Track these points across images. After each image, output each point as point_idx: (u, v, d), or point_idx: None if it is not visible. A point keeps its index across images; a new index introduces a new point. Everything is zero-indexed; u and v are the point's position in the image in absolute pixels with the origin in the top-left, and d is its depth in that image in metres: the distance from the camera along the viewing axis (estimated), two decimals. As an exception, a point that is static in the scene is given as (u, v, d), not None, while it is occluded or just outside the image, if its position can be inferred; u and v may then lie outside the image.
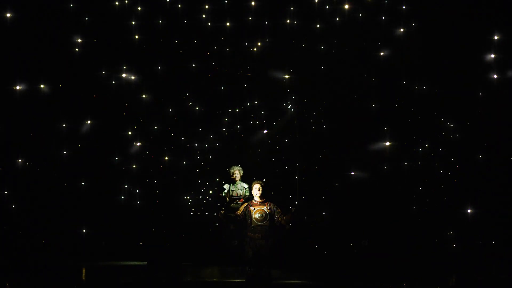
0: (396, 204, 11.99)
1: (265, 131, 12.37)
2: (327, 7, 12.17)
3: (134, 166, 11.83)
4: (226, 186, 11.05)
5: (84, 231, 11.29)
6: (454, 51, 11.79)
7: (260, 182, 8.83)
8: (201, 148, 12.31)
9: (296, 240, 11.17)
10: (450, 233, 11.71)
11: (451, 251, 11.59)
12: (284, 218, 8.63)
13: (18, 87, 11.10)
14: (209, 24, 12.11)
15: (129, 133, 11.89)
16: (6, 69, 11.11)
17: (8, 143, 11.05)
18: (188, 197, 12.07)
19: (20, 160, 11.23)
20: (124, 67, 11.87)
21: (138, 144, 11.94)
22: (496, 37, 11.70)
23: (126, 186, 11.78)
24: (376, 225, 11.84)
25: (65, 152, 11.40)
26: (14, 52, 11.11)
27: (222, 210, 9.34)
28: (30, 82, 11.15)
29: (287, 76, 12.29)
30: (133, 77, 11.91)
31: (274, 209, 8.67)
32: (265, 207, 8.65)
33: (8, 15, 11.01)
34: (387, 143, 12.08)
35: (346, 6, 12.08)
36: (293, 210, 8.65)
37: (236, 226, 8.81)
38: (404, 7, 12.02)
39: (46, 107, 11.41)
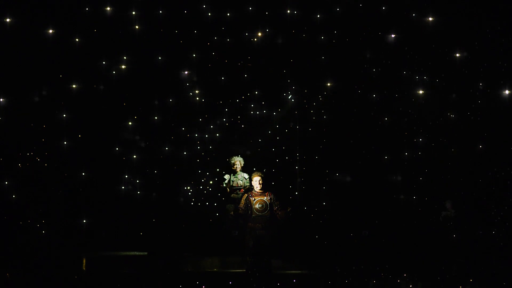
0: (396, 194, 12.04)
1: None
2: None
3: (135, 156, 11.80)
4: (226, 177, 11.03)
5: (84, 221, 11.25)
6: (456, 41, 11.77)
7: (260, 173, 8.90)
8: (201, 139, 12.30)
9: (296, 231, 11.19)
10: (450, 223, 11.73)
11: (451, 241, 11.63)
12: (279, 213, 8.66)
13: (17, 78, 11.02)
14: (209, 14, 12.03)
15: (129, 123, 11.85)
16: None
17: (8, 134, 10.97)
18: (189, 188, 12.07)
19: (20, 150, 11.16)
20: (124, 58, 11.78)
21: (138, 134, 11.91)
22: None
23: (126, 176, 11.76)
24: (377, 215, 11.89)
25: (65, 142, 11.33)
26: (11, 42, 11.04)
27: (232, 212, 9.36)
28: (29, 72, 11.03)
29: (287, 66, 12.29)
30: (133, 68, 11.81)
31: (273, 200, 8.69)
32: (265, 198, 8.72)
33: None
34: (388, 133, 12.13)
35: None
36: (289, 210, 8.68)
37: (244, 219, 8.85)
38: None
39: (46, 97, 11.33)
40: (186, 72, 12.05)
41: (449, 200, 11.77)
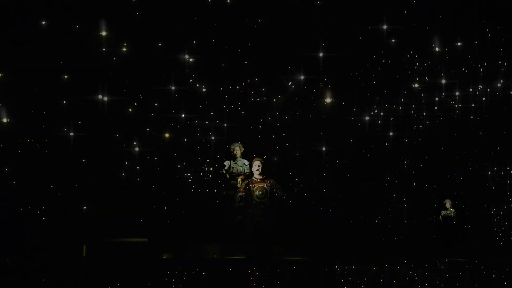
0: (398, 180, 12.06)
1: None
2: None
3: (135, 143, 11.71)
4: (226, 163, 11.00)
5: (84, 207, 11.21)
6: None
7: (260, 159, 8.82)
8: (201, 125, 12.21)
9: (296, 217, 11.20)
10: (451, 215, 11.76)
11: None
12: (285, 194, 8.60)
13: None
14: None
15: (130, 110, 11.79)
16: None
17: (9, 119, 10.88)
18: (189, 174, 12.03)
19: (20, 137, 11.09)
20: (124, 44, 11.71)
21: (138, 121, 11.84)
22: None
23: (126, 163, 11.71)
24: (379, 201, 12.00)
25: (65, 129, 11.27)
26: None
27: (224, 192, 9.35)
28: (30, 59, 10.96)
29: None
30: (133, 54, 11.72)
31: (274, 185, 8.65)
32: (265, 184, 8.65)
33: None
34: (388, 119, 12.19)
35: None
36: (296, 191, 8.65)
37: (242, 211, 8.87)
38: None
39: (47, 84, 11.24)
40: (187, 58, 11.92)
41: (449, 200, 11.82)
